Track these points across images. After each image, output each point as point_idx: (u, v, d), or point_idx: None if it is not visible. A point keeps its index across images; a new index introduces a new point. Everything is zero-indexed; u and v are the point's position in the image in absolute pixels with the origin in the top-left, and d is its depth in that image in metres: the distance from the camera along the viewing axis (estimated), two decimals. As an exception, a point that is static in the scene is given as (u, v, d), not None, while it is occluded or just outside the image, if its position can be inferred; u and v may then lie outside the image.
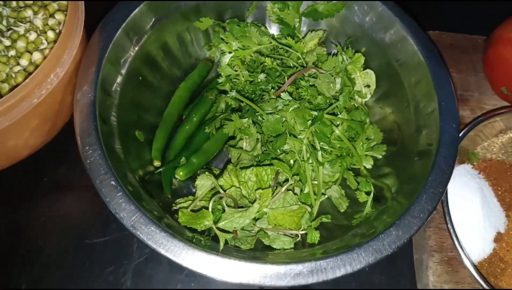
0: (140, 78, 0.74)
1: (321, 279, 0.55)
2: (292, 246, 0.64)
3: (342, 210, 0.69)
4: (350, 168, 0.71)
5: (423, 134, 0.68)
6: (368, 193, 0.68)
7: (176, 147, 0.73)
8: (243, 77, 0.74)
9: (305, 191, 0.67)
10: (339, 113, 0.68)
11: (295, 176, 0.64)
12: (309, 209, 0.64)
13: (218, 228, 0.58)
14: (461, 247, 0.63)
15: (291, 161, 0.67)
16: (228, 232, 0.59)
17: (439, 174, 0.62)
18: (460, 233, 0.66)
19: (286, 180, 0.64)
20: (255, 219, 0.65)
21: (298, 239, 0.64)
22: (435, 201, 0.61)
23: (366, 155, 0.72)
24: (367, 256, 0.57)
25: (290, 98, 0.66)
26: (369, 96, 0.76)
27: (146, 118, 0.75)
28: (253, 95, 0.72)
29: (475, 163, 0.74)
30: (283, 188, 0.62)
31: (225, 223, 0.58)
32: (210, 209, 0.58)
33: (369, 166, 0.72)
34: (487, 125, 0.73)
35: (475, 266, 0.62)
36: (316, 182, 0.68)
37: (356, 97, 0.75)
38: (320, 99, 0.67)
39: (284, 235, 0.64)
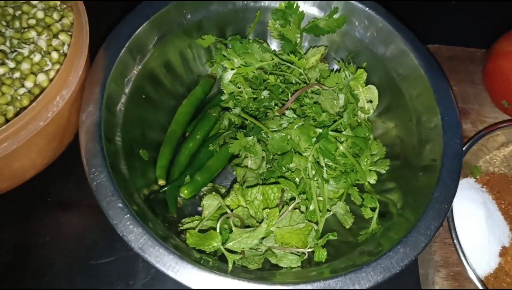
0: (144, 96, 0.74)
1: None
2: (299, 264, 0.64)
3: (347, 227, 0.69)
4: (355, 184, 0.71)
5: (427, 149, 0.68)
6: (373, 209, 0.68)
7: (180, 165, 0.73)
8: (247, 94, 0.74)
9: (311, 209, 0.68)
10: (343, 130, 0.68)
11: (302, 195, 0.64)
12: (315, 226, 0.65)
13: (226, 249, 0.58)
14: (467, 262, 0.63)
15: (297, 179, 0.67)
16: (236, 252, 0.59)
17: (444, 189, 0.63)
18: (466, 248, 0.66)
19: (292, 199, 0.64)
20: (262, 238, 0.65)
21: (305, 257, 0.64)
22: (441, 217, 0.61)
23: (370, 170, 0.72)
24: (376, 275, 0.57)
25: (295, 116, 0.67)
26: (372, 111, 0.76)
27: (150, 136, 0.75)
28: (257, 112, 0.73)
29: (478, 177, 0.74)
30: (290, 207, 0.62)
31: (233, 244, 0.58)
32: (218, 230, 0.58)
33: (373, 182, 0.72)
34: (489, 139, 0.74)
35: (481, 281, 0.63)
36: (321, 199, 0.68)
37: (359, 113, 0.75)
38: (324, 116, 0.67)
39: (291, 253, 0.64)
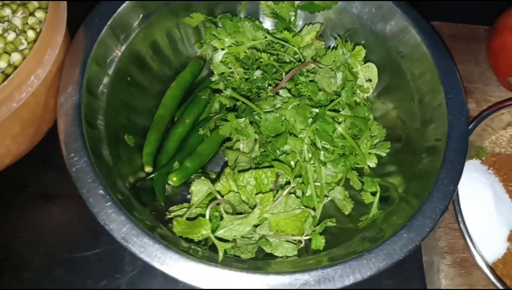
0: (129, 78, 0.69)
1: (329, 288, 0.51)
2: (295, 253, 0.60)
3: (346, 213, 0.66)
4: (354, 168, 0.67)
5: (430, 129, 0.64)
6: (374, 194, 0.64)
7: (169, 151, 0.69)
8: (238, 74, 0.70)
9: (308, 194, 0.64)
10: (341, 109, 0.64)
11: (298, 178, 0.60)
12: (312, 212, 0.60)
13: (217, 237, 0.54)
14: (474, 247, 0.59)
15: (292, 163, 0.63)
16: (227, 241, 0.54)
17: (450, 170, 0.59)
18: (473, 233, 0.62)
19: (287, 183, 0.60)
20: (255, 226, 0.61)
21: (301, 246, 0.60)
22: (447, 199, 0.57)
23: (369, 153, 0.68)
24: (378, 262, 0.53)
25: (289, 95, 0.62)
26: (371, 90, 0.72)
27: (136, 121, 0.70)
28: (249, 93, 0.68)
29: (483, 158, 0.70)
30: (285, 192, 0.58)
31: (224, 232, 0.54)
32: (207, 217, 0.54)
33: (373, 165, 0.68)
34: (494, 118, 0.70)
35: (490, 267, 0.59)
36: (318, 184, 0.64)
37: (358, 92, 0.71)
38: (321, 95, 0.63)
39: (287, 241, 0.60)
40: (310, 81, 0.65)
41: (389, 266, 0.54)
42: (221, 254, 0.53)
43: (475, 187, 0.66)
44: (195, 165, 0.67)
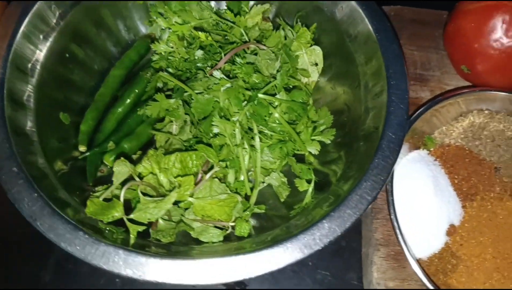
0: (68, 55, 0.67)
1: (238, 277, 0.50)
2: (221, 239, 0.58)
3: (282, 199, 0.64)
4: (297, 155, 0.65)
5: (370, 116, 0.62)
6: (309, 182, 0.62)
7: (106, 131, 0.67)
8: (180, 54, 0.67)
9: (241, 179, 0.62)
10: (277, 93, 0.62)
11: (222, 162, 0.58)
12: (239, 198, 0.59)
13: (131, 220, 0.52)
14: (404, 240, 0.57)
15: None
16: (143, 224, 0.53)
17: (382, 160, 0.56)
18: (407, 225, 0.60)
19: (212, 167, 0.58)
20: (184, 210, 0.60)
21: (228, 232, 0.59)
22: (375, 190, 0.55)
23: (312, 139, 0.66)
24: (295, 252, 0.51)
25: (223, 76, 0.60)
26: (317, 75, 0.70)
27: (74, 99, 0.69)
28: (189, 74, 0.66)
29: (431, 149, 0.68)
30: (207, 175, 0.56)
31: (139, 214, 0.53)
32: (121, 199, 0.53)
33: (315, 152, 0.66)
34: (445, 107, 0.67)
35: (418, 262, 0.57)
36: (255, 169, 0.62)
37: (301, 77, 0.69)
38: (255, 77, 0.61)
39: (215, 227, 0.59)
40: (248, 63, 0.62)
41: (307, 256, 0.52)
42: (132, 236, 0.52)
43: (417, 178, 0.63)
44: (133, 146, 0.66)
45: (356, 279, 0.65)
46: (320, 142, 0.66)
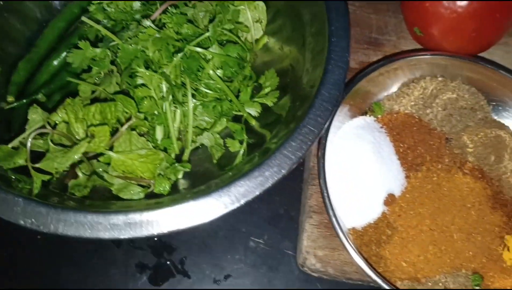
0: (1, 2, 0.64)
1: (139, 234, 0.47)
2: (141, 196, 0.55)
3: (214, 161, 0.60)
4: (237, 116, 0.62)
5: (309, 75, 0.58)
6: (241, 142, 0.59)
7: (38, 83, 0.64)
8: (118, 5, 0.64)
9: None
10: (210, 46, 0.58)
11: (140, 114, 0.55)
12: (161, 155, 0.56)
13: (37, 169, 0.50)
14: (332, 207, 0.54)
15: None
16: (50, 173, 0.50)
17: (313, 119, 0.53)
18: (341, 193, 0.57)
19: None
20: (107, 165, 0.57)
21: (151, 190, 0.56)
22: (301, 150, 0.51)
23: (254, 101, 0.63)
24: (205, 212, 0.48)
25: (151, 25, 0.57)
26: (260, 32, 0.66)
27: (7, 49, 0.66)
28: (124, 24, 0.63)
29: (379, 116, 0.64)
30: (124, 127, 0.53)
31: (46, 163, 0.50)
32: (28, 146, 0.50)
33: (255, 114, 0.62)
34: (393, 70, 0.62)
35: (351, 232, 0.53)
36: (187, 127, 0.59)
37: (247, 36, 0.65)
38: (187, 28, 0.57)
39: (137, 185, 0.56)
40: (182, 14, 0.59)
41: (218, 219, 0.48)
42: (36, 185, 0.49)
43: (357, 145, 0.60)
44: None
45: (291, 248, 0.62)
46: (263, 104, 0.63)
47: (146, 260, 0.62)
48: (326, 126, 0.53)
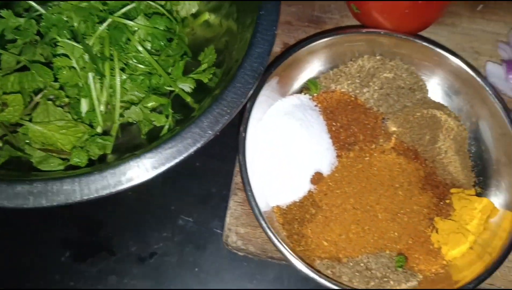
0: None
1: (44, 203, 0.46)
2: (61, 168, 0.54)
3: (142, 136, 0.59)
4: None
5: (237, 49, 0.57)
6: (167, 117, 0.58)
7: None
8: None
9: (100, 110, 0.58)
10: (136, 17, 0.57)
11: (54, 83, 0.54)
12: (82, 127, 0.55)
13: None
14: (249, 184, 0.52)
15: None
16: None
17: (233, 92, 0.52)
18: (264, 170, 0.56)
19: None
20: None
21: (70, 163, 0.55)
22: (217, 125, 0.50)
23: (188, 77, 0.62)
24: (122, 177, 0.47)
25: (76, -5, 0.56)
26: (196, 7, 0.65)
27: None
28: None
29: (314, 94, 0.62)
30: (37, 97, 0.52)
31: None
32: None
33: (188, 89, 0.61)
34: (328, 47, 0.61)
35: (258, 207, 0.52)
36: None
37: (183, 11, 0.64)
38: (113, -3, 0.56)
39: (58, 157, 0.55)
40: (109, -17, 0.58)
41: (134, 187, 0.47)
42: None
43: (287, 122, 0.58)
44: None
45: (220, 227, 0.61)
46: (198, 81, 0.62)
47: (71, 235, 0.61)
48: (246, 99, 0.52)
